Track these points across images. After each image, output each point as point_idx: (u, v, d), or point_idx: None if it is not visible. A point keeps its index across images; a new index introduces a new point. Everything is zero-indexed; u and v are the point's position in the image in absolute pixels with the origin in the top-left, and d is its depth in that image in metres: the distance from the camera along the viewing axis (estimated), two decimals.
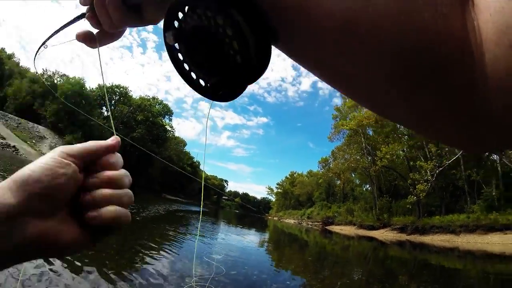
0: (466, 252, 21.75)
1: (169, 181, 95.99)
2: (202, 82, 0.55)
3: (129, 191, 0.62)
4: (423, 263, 17.69)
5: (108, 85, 77.92)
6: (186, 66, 0.56)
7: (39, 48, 0.88)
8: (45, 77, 71.85)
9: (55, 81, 70.37)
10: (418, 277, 13.39)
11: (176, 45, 0.54)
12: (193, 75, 0.56)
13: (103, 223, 0.56)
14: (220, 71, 0.50)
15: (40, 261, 5.08)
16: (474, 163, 39.12)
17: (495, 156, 36.77)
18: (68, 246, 0.55)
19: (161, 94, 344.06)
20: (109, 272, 5.61)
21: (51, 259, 5.30)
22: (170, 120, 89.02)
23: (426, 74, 0.31)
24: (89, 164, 0.61)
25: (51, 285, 4.51)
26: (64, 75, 74.67)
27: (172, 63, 0.58)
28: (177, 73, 0.59)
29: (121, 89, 79.50)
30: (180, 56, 0.55)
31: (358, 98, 0.43)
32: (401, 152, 47.42)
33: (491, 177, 36.89)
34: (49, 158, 0.55)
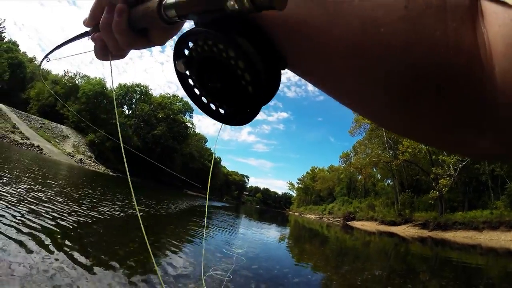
0: (488, 250, 21.54)
1: (190, 177, 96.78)
2: (213, 106, 0.57)
3: None
4: (444, 260, 17.60)
5: (128, 84, 79.07)
6: (197, 91, 0.57)
7: (41, 62, 1.08)
8: (66, 78, 73.24)
9: (77, 82, 71.81)
10: (439, 273, 13.37)
11: (187, 71, 0.55)
12: (204, 100, 0.58)
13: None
14: (233, 102, 0.52)
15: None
16: None
17: None
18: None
19: (181, 91, 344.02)
20: (133, 264, 5.81)
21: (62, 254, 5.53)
22: (191, 117, 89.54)
23: (437, 90, 0.30)
24: None
25: (75, 280, 4.71)
26: (85, 75, 75.78)
27: (183, 88, 0.59)
28: (189, 99, 0.60)
29: (142, 88, 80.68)
30: (191, 82, 0.57)
31: (368, 115, 0.42)
32: (423, 146, 46.79)
33: None
34: None
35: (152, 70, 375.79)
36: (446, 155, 38.16)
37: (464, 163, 35.19)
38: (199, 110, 0.59)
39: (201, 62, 0.50)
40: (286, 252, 13.82)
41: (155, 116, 75.73)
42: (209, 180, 1.54)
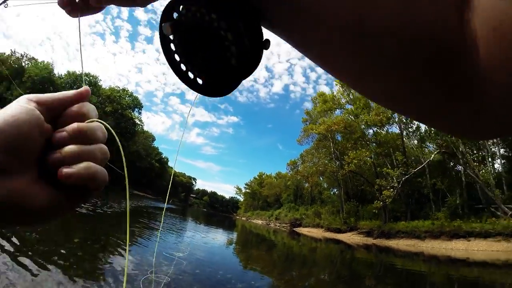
0: (431, 257, 22.21)
1: (137, 176, 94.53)
2: (191, 75, 0.54)
3: (104, 146, 0.56)
4: (388, 266, 17.96)
5: (78, 72, 75.58)
6: (177, 57, 0.54)
7: None
8: (12, 59, 69.02)
9: (23, 64, 67.71)
10: (383, 279, 13.59)
11: (171, 36, 0.52)
12: (183, 67, 0.54)
13: (78, 181, 0.49)
14: (214, 73, 0.50)
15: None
16: (439, 172, 40.20)
17: (459, 167, 37.83)
18: (43, 210, 0.48)
19: (131, 86, 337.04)
20: (71, 266, 5.48)
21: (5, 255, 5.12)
22: (140, 113, 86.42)
23: (427, 65, 0.32)
24: (57, 116, 0.53)
25: (9, 283, 4.34)
26: (33, 58, 71.70)
27: (164, 53, 0.56)
28: (168, 64, 0.56)
29: (91, 78, 77.02)
30: (173, 47, 0.54)
31: (359, 87, 0.43)
32: (368, 158, 48.10)
33: (455, 187, 38.06)
34: (10, 105, 0.48)
35: (104, 60, 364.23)
36: (389, 168, 39.38)
37: (407, 176, 36.41)
38: (178, 78, 0.56)
39: (188, 28, 0.49)
40: (232, 257, 13.62)
41: (103, 110, 72.88)
42: (170, 183, 1.53)
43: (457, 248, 26.05)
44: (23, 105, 0.48)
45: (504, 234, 24.72)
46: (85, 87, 0.57)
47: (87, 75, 76.42)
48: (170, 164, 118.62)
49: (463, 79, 0.33)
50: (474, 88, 0.34)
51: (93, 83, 76.69)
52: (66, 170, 0.48)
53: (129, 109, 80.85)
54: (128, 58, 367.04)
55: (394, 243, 32.51)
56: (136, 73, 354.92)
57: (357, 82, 0.44)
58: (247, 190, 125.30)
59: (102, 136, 0.56)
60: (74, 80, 73.52)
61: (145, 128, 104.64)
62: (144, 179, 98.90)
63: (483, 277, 14.95)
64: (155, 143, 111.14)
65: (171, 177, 1.48)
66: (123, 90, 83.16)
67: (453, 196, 37.01)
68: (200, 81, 0.53)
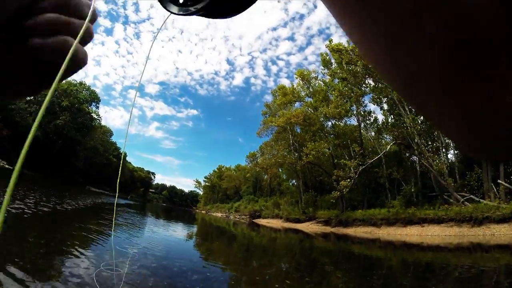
0: (387, 243, 22.80)
1: (94, 173, 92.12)
2: None
3: (90, 25, 0.46)
4: (347, 252, 18.28)
5: None
6: None
7: None
8: None
9: None
10: (342, 265, 13.82)
11: None
12: None
13: (49, 55, 0.42)
14: None
15: None
16: (395, 162, 41.40)
17: (414, 157, 39.05)
18: (7, 83, 0.44)
19: (89, 79, 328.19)
20: (25, 265, 5.27)
21: None
22: (97, 107, 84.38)
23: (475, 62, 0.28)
24: None
25: None
26: None
27: None
28: None
29: None
30: None
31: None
32: (327, 150, 48.79)
33: (410, 176, 39.50)
34: None
35: None
36: (347, 159, 40.07)
37: (363, 166, 37.10)
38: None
39: None
40: (191, 250, 13.48)
41: (58, 104, 70.08)
42: (119, 175, 1.47)
43: (412, 234, 26.90)
44: None
45: (456, 220, 25.92)
46: None
47: None
48: (128, 159, 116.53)
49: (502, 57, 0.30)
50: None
51: None
52: (37, 40, 0.42)
53: (86, 104, 78.44)
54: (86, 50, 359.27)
55: (351, 231, 33.24)
56: (95, 65, 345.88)
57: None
58: (207, 184, 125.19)
59: (90, 15, 0.46)
60: None
61: (103, 123, 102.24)
62: (101, 175, 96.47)
63: (436, 260, 15.47)
64: (113, 138, 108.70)
65: (120, 166, 1.49)
66: (80, 83, 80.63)
67: (408, 185, 38.29)
68: None
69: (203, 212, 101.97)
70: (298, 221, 45.90)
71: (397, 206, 33.84)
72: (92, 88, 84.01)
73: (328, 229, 37.05)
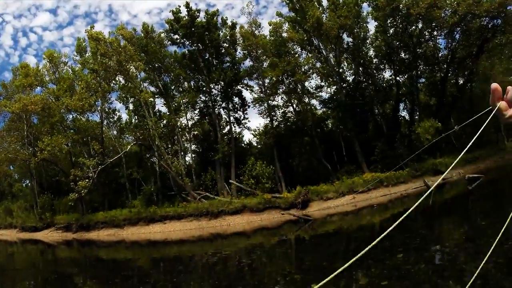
0: (132, 243, 23.84)
1: None
2: None
3: None
4: (94, 258, 18.48)
5: None
6: None
7: None
8: None
9: None
10: (92, 273, 14.13)
11: None
12: None
13: None
14: None
15: None
16: (135, 162, 42.78)
17: (154, 158, 41.19)
18: None
19: None
20: None
21: None
22: None
23: None
24: None
25: None
26: None
27: None
28: None
29: None
30: None
31: None
32: (65, 146, 45.71)
33: (150, 176, 41.87)
34: None
35: None
36: (86, 158, 38.94)
37: (103, 166, 36.93)
38: None
39: None
40: None
41: None
42: None
43: (155, 231, 28.63)
44: None
45: (195, 215, 29.27)
46: None
47: None
48: None
49: None
50: None
51: None
52: None
53: None
54: None
55: (95, 235, 32.87)
56: None
57: None
58: None
59: None
60: None
61: None
62: None
63: (183, 252, 17.34)
64: None
65: None
66: None
67: (148, 184, 40.09)
68: None
69: None
70: (35, 229, 42.27)
71: (138, 206, 35.14)
72: None
73: (69, 235, 35.53)
